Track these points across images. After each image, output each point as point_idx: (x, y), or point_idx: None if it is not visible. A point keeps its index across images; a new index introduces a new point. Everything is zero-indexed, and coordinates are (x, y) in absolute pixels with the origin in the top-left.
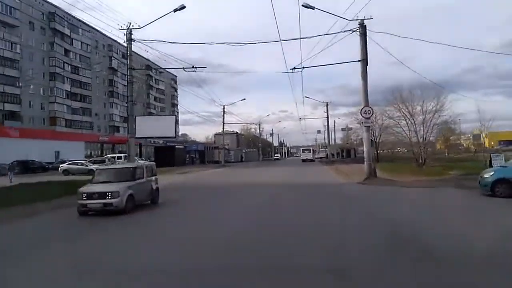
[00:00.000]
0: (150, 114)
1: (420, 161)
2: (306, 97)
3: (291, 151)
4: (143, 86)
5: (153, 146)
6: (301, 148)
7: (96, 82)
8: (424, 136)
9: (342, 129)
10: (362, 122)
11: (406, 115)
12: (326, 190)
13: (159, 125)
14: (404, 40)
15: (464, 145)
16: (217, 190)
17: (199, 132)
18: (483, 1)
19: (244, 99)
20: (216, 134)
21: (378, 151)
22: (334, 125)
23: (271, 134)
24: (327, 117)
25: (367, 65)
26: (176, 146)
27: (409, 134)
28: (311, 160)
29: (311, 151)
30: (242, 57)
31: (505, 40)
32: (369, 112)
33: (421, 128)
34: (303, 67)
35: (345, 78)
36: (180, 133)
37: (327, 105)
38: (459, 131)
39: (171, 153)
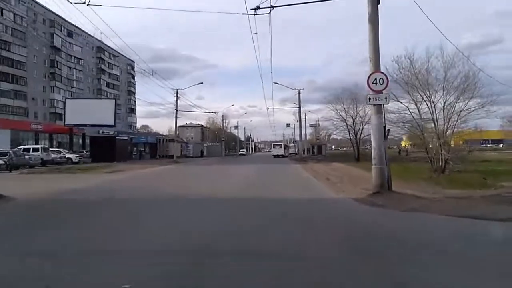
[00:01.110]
0: None
1: (440, 163)
2: (275, 83)
3: (259, 146)
4: (93, 70)
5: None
6: (273, 144)
7: (34, 61)
8: (446, 127)
9: (311, 125)
10: (369, 99)
11: (422, 97)
12: (316, 221)
13: (94, 111)
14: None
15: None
16: (121, 211)
17: (166, 125)
18: (441, 6)
19: (202, 82)
20: (180, 127)
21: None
22: (306, 119)
23: (236, 127)
24: (299, 106)
25: (378, 3)
26: (118, 137)
27: (421, 125)
28: (283, 156)
29: (283, 146)
30: (212, 50)
31: (460, 45)
32: (381, 81)
33: (441, 114)
34: (272, 6)
35: (313, 74)
36: (140, 125)
37: (299, 93)
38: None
39: (111, 146)
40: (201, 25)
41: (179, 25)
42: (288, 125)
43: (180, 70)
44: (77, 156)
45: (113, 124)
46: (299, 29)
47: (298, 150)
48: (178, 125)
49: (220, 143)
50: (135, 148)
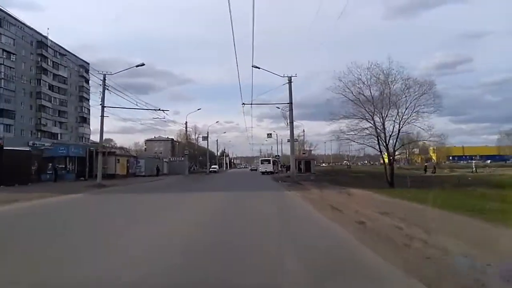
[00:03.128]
0: (42, 106)
1: None
2: (255, 66)
3: (235, 162)
4: (31, 68)
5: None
6: (260, 159)
7: None
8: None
9: (288, 141)
10: None
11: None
12: None
13: None
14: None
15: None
16: None
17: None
18: (414, 29)
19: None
20: (147, 141)
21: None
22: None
23: (204, 138)
24: (290, 94)
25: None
26: (8, 148)
27: None
28: (271, 173)
29: (272, 162)
30: (190, 67)
31: (432, 63)
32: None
33: None
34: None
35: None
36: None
37: (290, 81)
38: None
39: None
40: (179, 40)
41: (154, 40)
42: (269, 135)
43: (156, 85)
44: None
45: None
46: (278, 44)
47: (282, 166)
48: (146, 139)
49: (186, 157)
50: (49, 164)
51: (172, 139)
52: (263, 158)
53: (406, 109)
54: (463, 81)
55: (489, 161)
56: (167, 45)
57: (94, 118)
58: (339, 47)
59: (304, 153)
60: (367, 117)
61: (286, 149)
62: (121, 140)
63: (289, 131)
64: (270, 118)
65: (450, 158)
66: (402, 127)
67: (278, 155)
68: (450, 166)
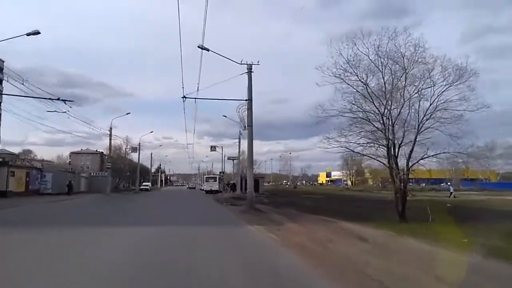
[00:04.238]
0: None
1: None
2: (200, 47)
3: (171, 179)
4: None
5: None
6: (205, 177)
7: None
8: None
9: (229, 158)
10: None
11: None
12: None
13: None
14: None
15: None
16: None
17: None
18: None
19: None
20: (72, 153)
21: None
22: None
23: (133, 149)
24: (249, 87)
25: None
26: None
27: None
28: (217, 192)
29: (217, 180)
30: (129, 80)
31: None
32: None
33: None
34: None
35: (231, 110)
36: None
37: (250, 69)
38: None
39: None
40: (119, 51)
41: (91, 50)
42: (213, 148)
43: (91, 97)
44: None
45: None
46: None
47: (226, 185)
48: (71, 151)
49: (108, 172)
50: None
51: (102, 152)
52: (209, 176)
53: (430, 104)
54: None
55: (443, 184)
56: (104, 56)
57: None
58: (279, 68)
59: None
60: (370, 117)
61: (228, 168)
62: (47, 154)
63: (237, 147)
64: (211, 135)
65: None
66: (421, 130)
67: (223, 172)
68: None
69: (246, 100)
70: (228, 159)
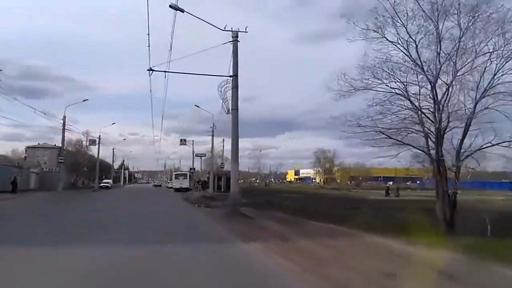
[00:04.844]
0: None
1: None
2: (172, 6)
3: (137, 176)
4: None
5: None
6: (174, 173)
7: None
8: None
9: (197, 155)
10: None
11: None
12: None
13: None
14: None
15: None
16: None
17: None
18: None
19: None
20: (28, 148)
21: None
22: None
23: (91, 142)
24: (235, 61)
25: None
26: None
27: None
28: (187, 189)
29: (188, 177)
30: (93, 73)
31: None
32: None
33: None
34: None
35: (205, 102)
36: None
37: (235, 38)
38: None
39: None
40: (85, 45)
41: (57, 42)
42: (183, 141)
43: (52, 90)
44: None
45: None
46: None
47: (197, 183)
48: (27, 145)
49: (60, 167)
50: None
51: (60, 147)
52: (179, 172)
53: (494, 74)
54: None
55: (391, 182)
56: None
57: None
58: (247, 66)
59: (222, 167)
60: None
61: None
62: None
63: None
64: (178, 132)
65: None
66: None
67: (194, 168)
68: (375, 187)
69: (230, 76)
70: (196, 156)
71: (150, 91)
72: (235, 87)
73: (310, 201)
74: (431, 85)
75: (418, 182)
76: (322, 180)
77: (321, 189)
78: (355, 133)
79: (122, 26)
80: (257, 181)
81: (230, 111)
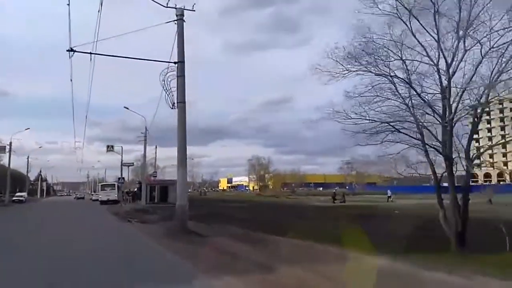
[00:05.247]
0: None
1: None
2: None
3: (57, 188)
4: None
5: None
6: (100, 184)
7: None
8: None
9: (125, 164)
10: None
11: None
12: None
13: None
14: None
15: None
16: None
17: None
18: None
19: None
20: None
21: None
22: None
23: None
24: (181, 43)
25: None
26: None
27: None
28: (115, 202)
29: (116, 187)
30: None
31: (266, 99)
32: None
33: None
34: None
35: (123, 114)
36: None
37: (180, 17)
38: None
39: None
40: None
41: None
42: (110, 148)
43: None
44: None
45: None
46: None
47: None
48: None
49: None
50: None
51: None
52: (105, 183)
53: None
54: (286, 118)
55: (321, 188)
56: None
57: None
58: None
59: (155, 176)
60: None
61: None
62: None
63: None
64: (102, 140)
65: (309, 185)
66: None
67: (123, 178)
68: (310, 193)
69: (175, 63)
70: (123, 165)
71: (71, 80)
72: (181, 76)
73: (257, 210)
74: (436, 67)
75: (347, 187)
76: (254, 188)
77: (259, 196)
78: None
79: (39, 23)
80: (189, 190)
81: (176, 105)
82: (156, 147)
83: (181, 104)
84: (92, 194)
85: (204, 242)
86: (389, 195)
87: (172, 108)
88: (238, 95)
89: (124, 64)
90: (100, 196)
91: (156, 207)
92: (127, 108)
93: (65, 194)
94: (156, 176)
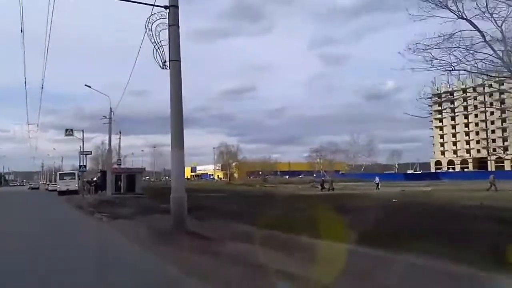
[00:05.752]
0: None
1: None
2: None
3: (9, 177)
4: None
5: None
6: (59, 173)
7: None
8: None
9: (82, 153)
10: None
11: None
12: None
13: None
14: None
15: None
16: None
17: None
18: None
19: None
20: None
21: None
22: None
23: None
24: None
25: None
26: None
27: None
28: (74, 192)
29: (76, 176)
30: None
31: (229, 87)
32: None
33: None
34: None
35: (81, 101)
36: None
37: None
38: None
39: None
40: None
41: None
42: (69, 131)
43: None
44: None
45: None
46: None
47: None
48: None
49: None
50: None
51: None
52: (64, 172)
53: None
54: (249, 107)
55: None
56: None
57: None
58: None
59: (119, 164)
60: None
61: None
62: None
63: None
64: (57, 129)
65: (278, 172)
66: None
67: (85, 166)
68: (283, 182)
69: (165, 7)
70: (81, 154)
71: (22, 31)
72: (174, 25)
73: (245, 202)
74: None
75: (314, 175)
76: (219, 177)
77: (230, 185)
78: None
79: None
80: (152, 180)
81: (168, 63)
82: (120, 133)
83: (174, 62)
84: (48, 184)
85: (217, 251)
86: (377, 182)
87: (162, 68)
88: (200, 83)
89: (82, 48)
90: (58, 186)
91: (123, 198)
92: (89, 86)
93: (18, 184)
94: (120, 164)
